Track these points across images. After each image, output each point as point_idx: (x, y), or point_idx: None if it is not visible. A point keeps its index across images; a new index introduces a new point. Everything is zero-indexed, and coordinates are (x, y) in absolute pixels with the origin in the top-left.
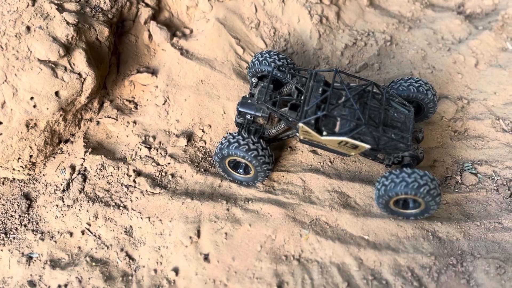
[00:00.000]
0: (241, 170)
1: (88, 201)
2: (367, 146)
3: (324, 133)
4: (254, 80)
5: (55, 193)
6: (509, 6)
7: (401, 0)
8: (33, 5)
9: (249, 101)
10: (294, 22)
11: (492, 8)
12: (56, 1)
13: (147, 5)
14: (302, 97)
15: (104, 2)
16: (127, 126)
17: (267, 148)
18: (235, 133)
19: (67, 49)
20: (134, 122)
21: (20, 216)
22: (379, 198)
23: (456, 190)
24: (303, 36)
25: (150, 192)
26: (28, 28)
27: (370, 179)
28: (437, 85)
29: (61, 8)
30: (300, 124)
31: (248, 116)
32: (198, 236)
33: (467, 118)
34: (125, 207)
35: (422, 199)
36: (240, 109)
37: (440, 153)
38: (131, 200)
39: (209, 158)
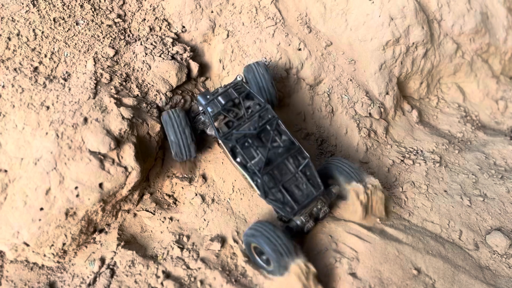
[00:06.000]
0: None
1: None
2: (258, 192)
3: (238, 159)
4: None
5: (80, 286)
6: None
7: (452, 119)
8: (94, 98)
9: (208, 96)
10: (342, 134)
11: None
12: (116, 96)
13: None
14: (242, 119)
15: (160, 99)
16: (163, 221)
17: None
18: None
19: (118, 142)
20: (171, 218)
21: None
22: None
23: None
24: (349, 148)
25: None
26: (85, 119)
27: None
28: (489, 215)
29: (119, 103)
30: (219, 141)
31: (200, 108)
32: None
33: None
34: None
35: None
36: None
37: None
38: None
39: (241, 268)
